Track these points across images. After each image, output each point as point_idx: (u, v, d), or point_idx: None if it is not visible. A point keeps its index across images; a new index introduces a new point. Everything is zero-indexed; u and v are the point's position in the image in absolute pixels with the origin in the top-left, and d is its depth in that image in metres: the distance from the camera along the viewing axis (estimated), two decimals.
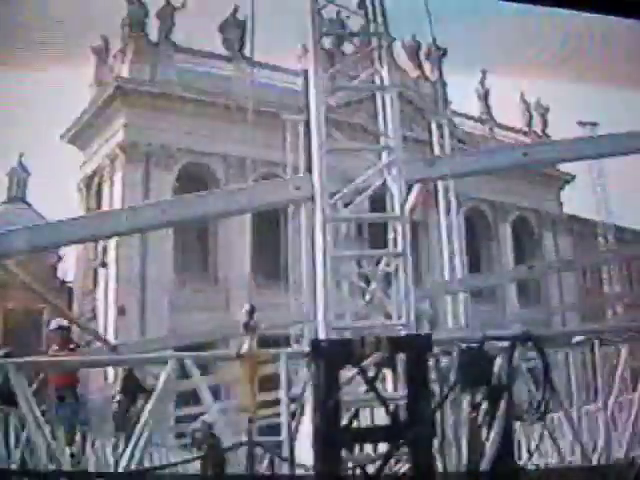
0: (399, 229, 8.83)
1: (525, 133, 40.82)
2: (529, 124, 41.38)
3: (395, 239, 8.81)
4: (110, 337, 29.81)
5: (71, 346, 10.70)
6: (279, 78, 36.63)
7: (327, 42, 36.90)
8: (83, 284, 33.93)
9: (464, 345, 8.28)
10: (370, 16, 9.61)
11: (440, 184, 18.73)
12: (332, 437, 7.50)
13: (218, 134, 33.41)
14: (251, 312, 9.33)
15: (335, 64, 39.29)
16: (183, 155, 33.53)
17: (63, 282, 34.65)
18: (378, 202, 9.23)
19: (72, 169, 36.61)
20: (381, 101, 9.47)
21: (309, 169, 9.26)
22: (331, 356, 7.80)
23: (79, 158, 36.66)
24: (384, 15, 9.66)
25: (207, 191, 24.93)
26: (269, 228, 34.11)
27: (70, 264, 34.94)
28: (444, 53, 39.99)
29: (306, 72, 40.09)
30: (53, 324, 11.26)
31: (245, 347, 8.85)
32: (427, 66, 40.41)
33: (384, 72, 9.48)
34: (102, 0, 36.35)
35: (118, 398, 11.98)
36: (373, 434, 8.02)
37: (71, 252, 33.88)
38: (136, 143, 32.86)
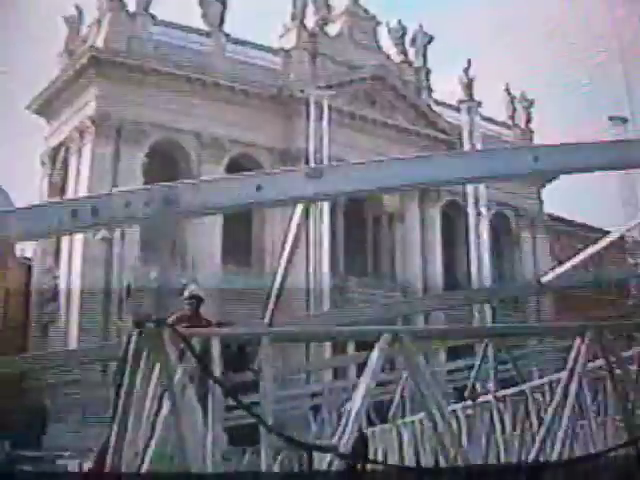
0: None
1: (509, 127, 39.93)
2: (513, 117, 40.50)
3: None
4: (74, 319, 28.48)
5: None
6: (258, 56, 35.22)
7: (311, 22, 35.89)
8: (43, 262, 32.36)
9: None
10: None
11: None
12: None
13: (192, 111, 32.04)
14: None
15: (317, 44, 37.42)
16: (155, 130, 32.01)
17: (23, 259, 33.02)
18: None
19: (36, 141, 35.05)
20: None
21: None
22: None
23: (43, 130, 35.13)
24: None
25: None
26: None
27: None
28: (430, 40, 38.88)
29: (287, 51, 38.29)
30: (187, 293, 8.85)
31: None
32: (411, 52, 39.20)
33: None
34: None
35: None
36: None
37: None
38: (108, 115, 31.25)
